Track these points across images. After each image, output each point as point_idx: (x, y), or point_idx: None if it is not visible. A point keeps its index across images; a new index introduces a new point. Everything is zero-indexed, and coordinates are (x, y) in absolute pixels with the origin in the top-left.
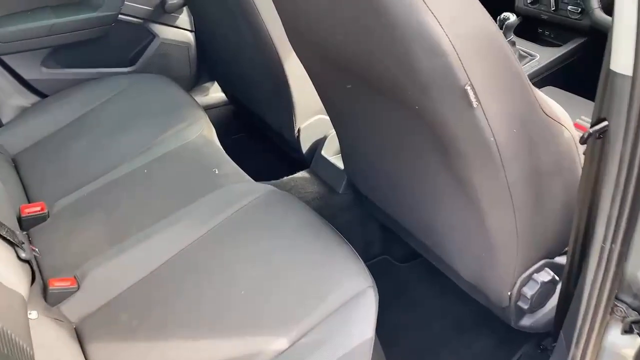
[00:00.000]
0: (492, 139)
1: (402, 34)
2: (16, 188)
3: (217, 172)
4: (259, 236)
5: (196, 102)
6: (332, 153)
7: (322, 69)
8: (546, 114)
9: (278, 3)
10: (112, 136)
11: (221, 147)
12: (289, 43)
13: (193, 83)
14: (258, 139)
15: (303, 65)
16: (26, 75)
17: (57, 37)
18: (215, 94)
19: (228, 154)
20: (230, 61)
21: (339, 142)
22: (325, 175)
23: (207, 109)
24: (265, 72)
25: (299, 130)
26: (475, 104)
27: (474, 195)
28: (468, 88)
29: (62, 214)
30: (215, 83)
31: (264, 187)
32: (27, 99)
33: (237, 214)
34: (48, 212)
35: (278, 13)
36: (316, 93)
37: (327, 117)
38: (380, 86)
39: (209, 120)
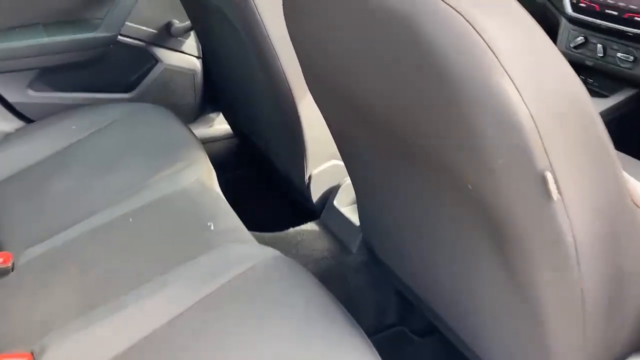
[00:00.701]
0: (570, 238)
1: (466, 98)
2: None
3: (212, 227)
4: (257, 314)
5: (197, 140)
6: (346, 204)
7: (344, 121)
8: (634, 202)
9: (295, 37)
10: (97, 174)
11: (221, 194)
12: (302, 80)
13: (197, 113)
14: (263, 179)
15: (320, 110)
16: (10, 98)
17: (48, 58)
18: (220, 125)
19: (229, 192)
20: (238, 94)
21: (356, 194)
22: (337, 229)
23: (211, 141)
24: (275, 109)
25: (310, 177)
26: (555, 196)
27: (532, 298)
28: (548, 175)
29: (30, 267)
30: (221, 114)
31: (265, 252)
32: (10, 123)
33: (232, 282)
34: (13, 264)
35: (294, 49)
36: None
37: (343, 163)
38: (422, 155)
39: (209, 162)
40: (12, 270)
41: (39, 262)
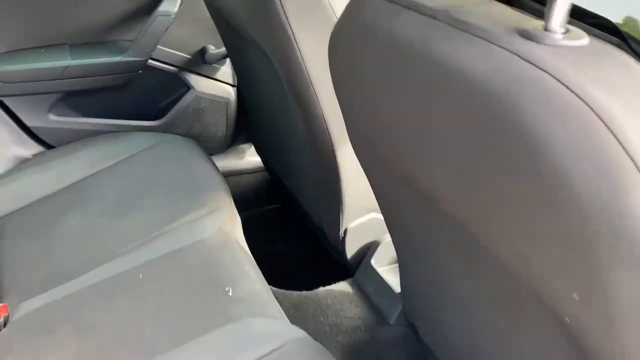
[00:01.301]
0: None
1: (591, 220)
2: None
3: (231, 293)
4: None
5: (224, 181)
6: (385, 263)
7: (390, 187)
8: None
9: (338, 85)
10: (112, 214)
11: (244, 247)
12: (343, 129)
13: (228, 143)
14: (292, 222)
15: (361, 164)
16: (29, 121)
17: (72, 82)
18: (251, 157)
19: (254, 231)
20: (272, 131)
21: (397, 256)
22: (373, 293)
23: (240, 174)
24: (312, 155)
25: (345, 231)
26: None
27: None
28: None
29: (23, 325)
30: (253, 146)
31: (290, 332)
32: (28, 149)
33: None
34: (7, 319)
35: (337, 97)
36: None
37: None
38: (497, 262)
39: (234, 208)
40: (4, 327)
41: (34, 319)
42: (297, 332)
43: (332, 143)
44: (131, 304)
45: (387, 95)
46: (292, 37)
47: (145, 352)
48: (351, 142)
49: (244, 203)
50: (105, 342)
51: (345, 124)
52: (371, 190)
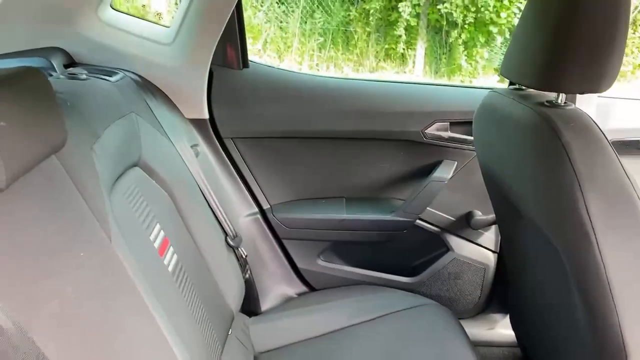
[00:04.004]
0: None
1: None
2: None
3: None
4: None
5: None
6: None
7: None
8: None
9: None
10: None
11: None
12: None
13: (479, 309)
14: None
15: None
16: (300, 263)
17: (343, 233)
18: (503, 330)
19: None
20: (536, 314)
21: None
22: None
23: (490, 345)
24: (590, 356)
25: None
26: None
27: None
28: None
29: None
30: (507, 317)
31: None
32: (294, 288)
33: None
34: None
35: None
36: None
37: None
38: None
39: None
40: None
41: None
42: None
43: (626, 353)
44: None
45: None
46: (594, 237)
47: None
48: None
49: None
50: None
51: None
52: None
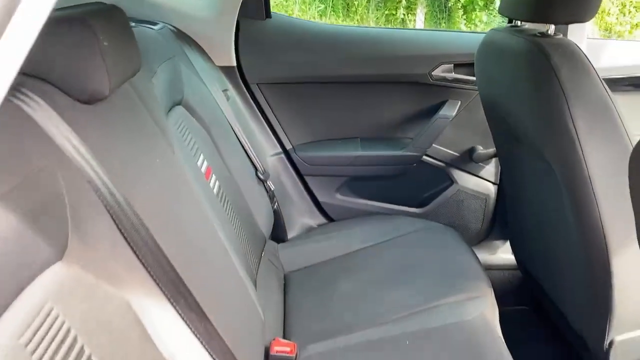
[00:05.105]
0: None
1: None
2: (277, 316)
3: None
4: None
5: (484, 270)
6: None
7: None
8: None
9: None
10: (380, 286)
11: (501, 336)
12: (624, 236)
13: (482, 237)
14: (543, 325)
15: None
16: (321, 197)
17: (358, 169)
18: (503, 254)
19: (504, 332)
20: (533, 232)
21: None
22: None
23: (491, 269)
24: (580, 262)
25: (610, 343)
26: None
27: None
28: None
29: None
30: (507, 243)
31: None
32: (315, 219)
33: None
34: (296, 357)
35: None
36: None
37: None
38: None
39: (494, 298)
40: None
41: None
42: None
43: (607, 251)
44: None
45: None
46: (577, 141)
47: None
48: None
49: None
50: None
51: None
52: None
